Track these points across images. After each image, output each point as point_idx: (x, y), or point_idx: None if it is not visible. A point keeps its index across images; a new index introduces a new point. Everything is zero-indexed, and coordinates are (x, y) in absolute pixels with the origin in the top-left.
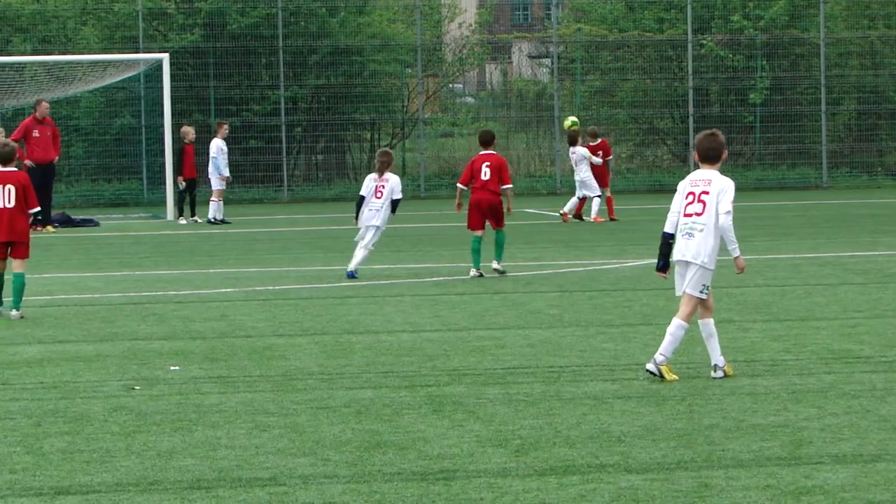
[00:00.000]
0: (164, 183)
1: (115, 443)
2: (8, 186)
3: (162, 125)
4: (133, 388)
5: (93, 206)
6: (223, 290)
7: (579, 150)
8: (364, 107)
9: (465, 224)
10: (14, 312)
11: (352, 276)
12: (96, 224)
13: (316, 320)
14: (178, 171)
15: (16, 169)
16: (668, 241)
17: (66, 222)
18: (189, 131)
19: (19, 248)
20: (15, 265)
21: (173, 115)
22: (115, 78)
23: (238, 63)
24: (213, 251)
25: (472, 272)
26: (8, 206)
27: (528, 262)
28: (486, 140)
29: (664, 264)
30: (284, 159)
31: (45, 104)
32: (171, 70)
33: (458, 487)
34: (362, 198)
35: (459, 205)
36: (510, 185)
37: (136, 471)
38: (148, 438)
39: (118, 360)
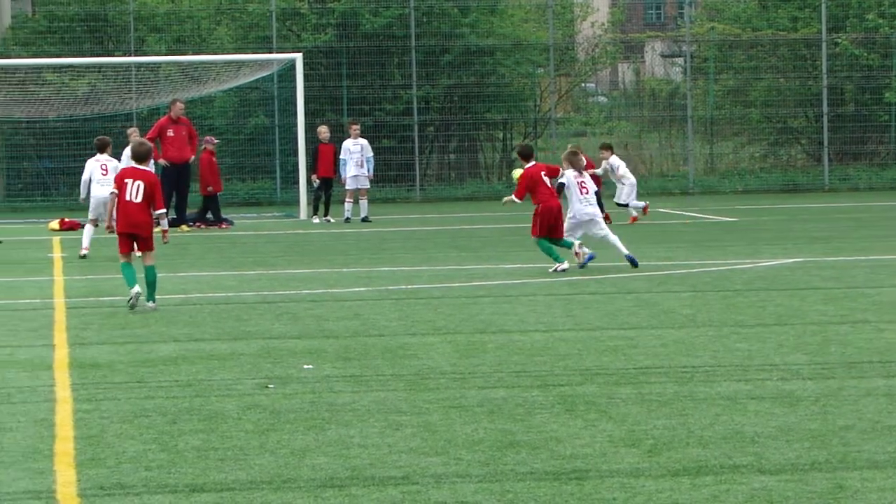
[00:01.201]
0: (298, 182)
1: (248, 441)
2: (138, 182)
3: (295, 125)
4: (267, 387)
5: (227, 206)
6: (356, 288)
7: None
8: (496, 106)
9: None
10: (150, 304)
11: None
12: (230, 223)
13: (448, 319)
14: (312, 170)
15: (149, 169)
16: None
17: (202, 222)
18: (323, 130)
19: (145, 241)
20: (145, 259)
21: (306, 114)
22: (248, 78)
23: (371, 63)
24: (347, 250)
25: (561, 266)
26: (135, 200)
27: (661, 261)
28: (528, 153)
29: None
30: (417, 159)
31: (179, 104)
32: (304, 70)
33: (590, 487)
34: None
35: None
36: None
37: (269, 469)
38: (281, 437)
39: (252, 358)
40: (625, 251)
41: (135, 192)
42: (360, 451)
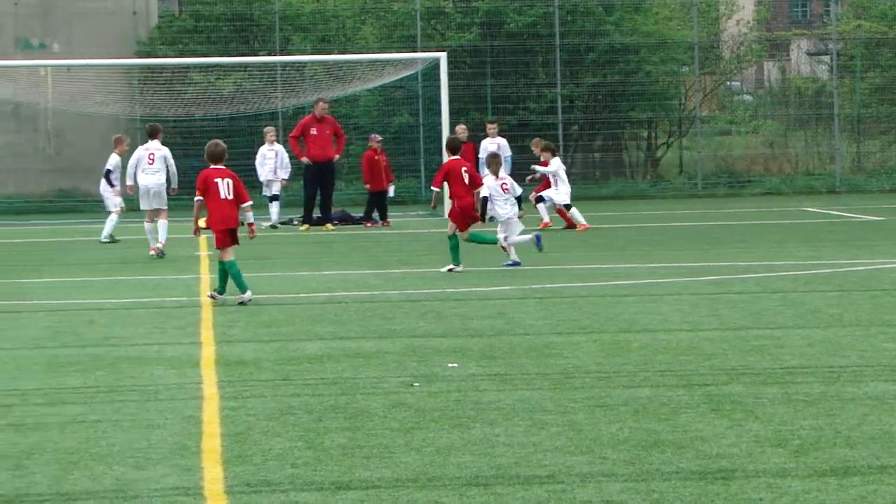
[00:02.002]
0: None
1: (394, 439)
2: (227, 180)
3: (439, 123)
4: (412, 385)
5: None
6: (501, 287)
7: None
8: (640, 105)
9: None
10: (220, 296)
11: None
12: (375, 221)
13: (593, 318)
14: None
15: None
16: None
17: (346, 220)
18: (461, 129)
19: (235, 236)
20: (224, 255)
21: (450, 113)
22: (393, 77)
23: (515, 62)
24: (492, 249)
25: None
26: (229, 197)
27: (807, 260)
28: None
29: None
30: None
31: (322, 103)
32: (448, 69)
33: (736, 487)
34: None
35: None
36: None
37: (415, 467)
38: (427, 435)
39: (397, 356)
40: (513, 257)
41: (226, 189)
42: (505, 449)
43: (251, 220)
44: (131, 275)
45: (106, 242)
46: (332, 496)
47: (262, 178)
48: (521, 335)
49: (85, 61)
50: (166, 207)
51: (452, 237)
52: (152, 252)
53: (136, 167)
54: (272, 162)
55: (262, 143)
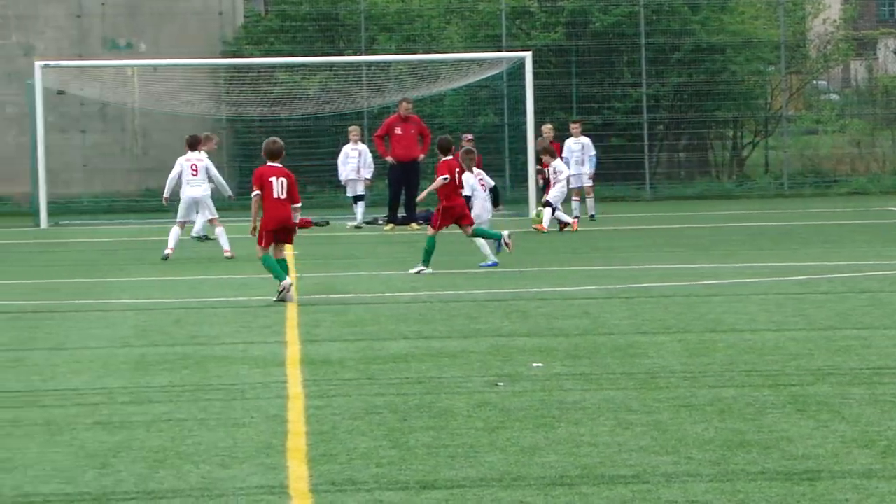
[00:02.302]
0: (527, 181)
1: (478, 438)
2: (281, 179)
3: (524, 123)
4: (497, 385)
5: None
6: (585, 287)
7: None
8: (726, 104)
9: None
10: (282, 286)
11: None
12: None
13: (678, 318)
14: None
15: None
16: None
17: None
18: (547, 129)
19: (290, 235)
20: (279, 252)
21: (535, 113)
22: (478, 76)
23: (600, 61)
24: (577, 248)
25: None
26: (282, 196)
27: (895, 260)
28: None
29: None
30: (646, 157)
31: (405, 103)
32: (533, 68)
33: (822, 488)
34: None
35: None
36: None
37: (499, 466)
38: (511, 434)
39: (482, 356)
40: (491, 258)
41: (280, 188)
42: (590, 449)
43: (296, 220)
44: (217, 274)
45: (198, 239)
46: (417, 495)
47: (342, 177)
48: (606, 335)
49: (171, 61)
50: (217, 215)
51: (431, 238)
52: (168, 252)
53: (178, 178)
54: (355, 161)
55: (347, 142)
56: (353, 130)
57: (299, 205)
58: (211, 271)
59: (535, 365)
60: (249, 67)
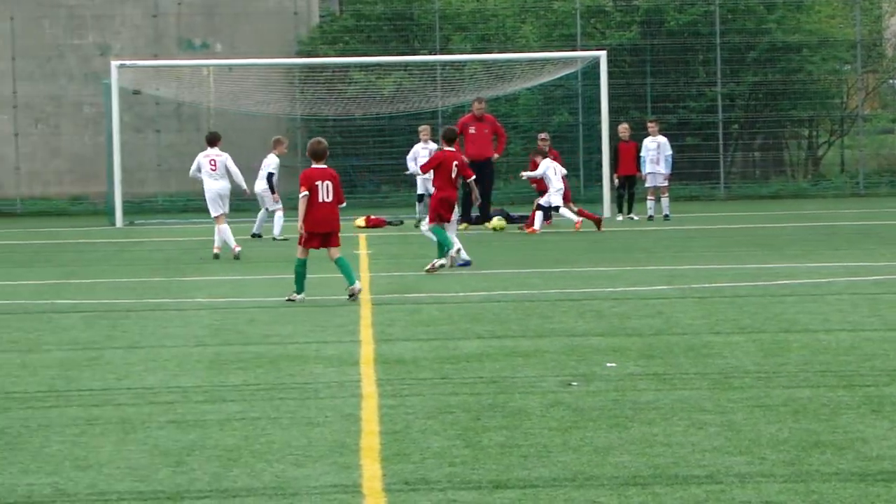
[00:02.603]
0: (601, 180)
1: (552, 438)
2: (327, 182)
3: (599, 122)
4: (570, 384)
5: (531, 203)
6: (659, 287)
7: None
8: (802, 103)
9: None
10: (356, 286)
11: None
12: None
13: (753, 318)
14: (613, 168)
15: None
16: None
17: (505, 219)
18: (623, 128)
19: (335, 237)
20: (333, 252)
21: (610, 112)
22: (553, 75)
23: (675, 60)
24: (651, 248)
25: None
26: (327, 199)
27: None
28: (451, 137)
29: None
30: (721, 156)
31: (476, 103)
32: (608, 67)
33: None
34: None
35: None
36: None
37: (572, 466)
38: (584, 434)
39: (555, 355)
40: (464, 256)
41: (325, 191)
42: (663, 449)
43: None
44: (291, 273)
45: (280, 240)
46: (490, 495)
47: (410, 170)
48: (680, 335)
49: (247, 61)
50: (227, 212)
51: (439, 230)
52: (236, 249)
53: (198, 172)
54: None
55: (418, 142)
56: (424, 129)
57: (344, 204)
58: (286, 270)
59: (608, 365)
60: (324, 67)
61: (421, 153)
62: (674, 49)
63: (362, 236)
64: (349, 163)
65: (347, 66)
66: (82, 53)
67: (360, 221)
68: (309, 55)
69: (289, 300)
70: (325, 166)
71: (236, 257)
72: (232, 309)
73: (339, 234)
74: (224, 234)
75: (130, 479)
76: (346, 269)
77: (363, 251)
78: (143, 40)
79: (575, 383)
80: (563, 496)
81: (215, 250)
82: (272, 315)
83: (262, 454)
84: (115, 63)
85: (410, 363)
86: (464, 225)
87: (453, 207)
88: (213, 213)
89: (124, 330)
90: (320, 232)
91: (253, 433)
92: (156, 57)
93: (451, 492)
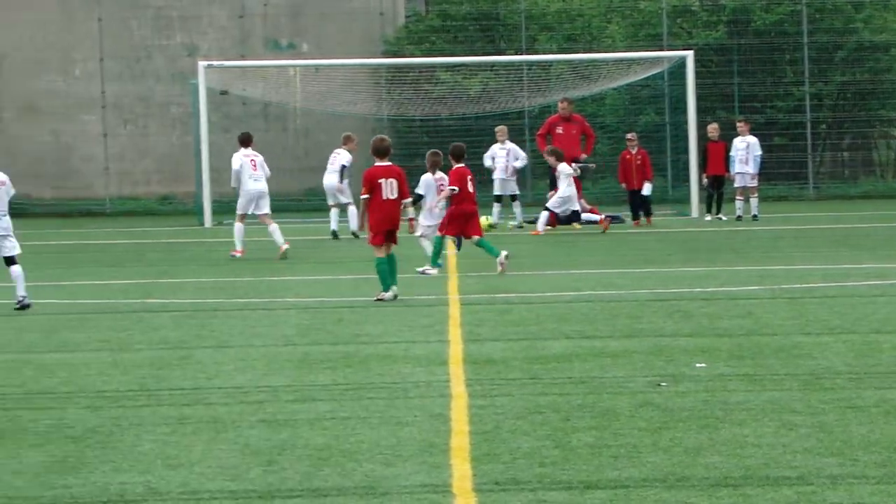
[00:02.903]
0: (689, 180)
1: (641, 438)
2: (391, 180)
3: (686, 122)
4: (659, 385)
5: (619, 203)
6: (749, 287)
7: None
8: (891, 103)
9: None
10: (388, 294)
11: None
12: (622, 221)
13: (843, 318)
14: (702, 168)
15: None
16: None
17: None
18: (712, 128)
19: (394, 235)
20: (384, 250)
21: (697, 112)
22: (639, 75)
23: (762, 60)
24: (740, 248)
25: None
26: (391, 197)
27: None
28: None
29: None
30: (809, 156)
31: (561, 103)
32: (695, 67)
33: None
34: (420, 196)
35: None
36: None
37: (662, 467)
38: (674, 435)
39: (644, 356)
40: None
41: (389, 189)
42: (754, 450)
43: (411, 216)
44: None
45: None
46: (581, 495)
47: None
48: (770, 335)
49: (333, 61)
50: (269, 211)
51: (439, 238)
52: (237, 254)
53: (241, 173)
54: (503, 160)
55: (495, 142)
56: (501, 130)
57: (408, 200)
58: (373, 270)
59: (697, 365)
60: (410, 67)
61: (498, 154)
62: (761, 48)
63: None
64: None
65: (434, 66)
66: (170, 54)
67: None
68: (395, 55)
69: (378, 300)
70: (389, 164)
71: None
72: (321, 308)
73: (397, 234)
74: (275, 233)
75: (222, 478)
76: (392, 269)
77: (451, 251)
78: (230, 41)
79: (664, 384)
80: (654, 497)
81: (284, 247)
82: (361, 315)
83: (352, 453)
84: (202, 63)
85: (499, 363)
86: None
87: (471, 219)
88: (241, 210)
89: (213, 329)
90: (384, 229)
91: (343, 433)
92: (242, 57)
93: (542, 492)
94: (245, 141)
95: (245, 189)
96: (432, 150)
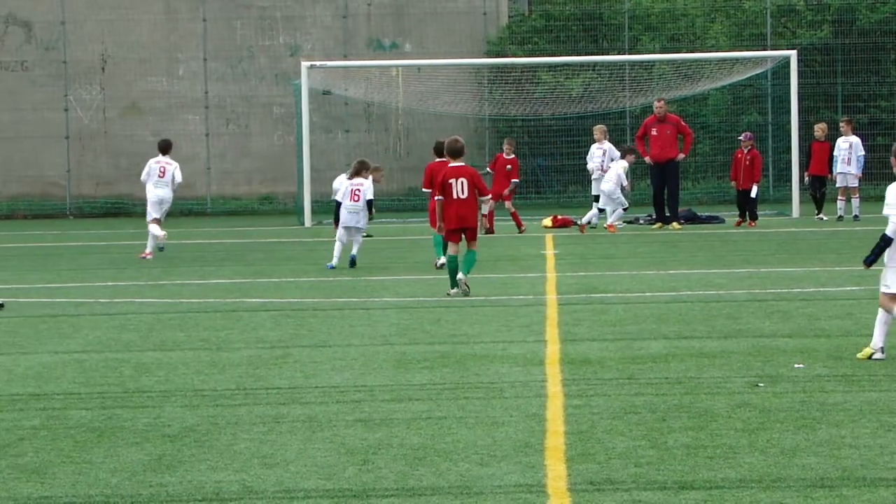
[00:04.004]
0: (791, 180)
1: (738, 439)
2: (461, 179)
3: (789, 122)
4: (757, 385)
5: (719, 203)
6: (848, 287)
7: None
8: None
9: None
10: (461, 277)
11: (332, 267)
12: (721, 221)
13: None
14: (805, 167)
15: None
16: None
17: (692, 219)
18: (820, 128)
19: (472, 232)
20: (470, 245)
21: (800, 111)
22: (742, 75)
23: (866, 59)
24: (839, 248)
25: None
26: (462, 196)
27: None
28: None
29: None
30: None
31: (658, 103)
32: (798, 67)
33: None
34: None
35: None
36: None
37: (759, 467)
38: (771, 436)
39: (742, 356)
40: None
41: (460, 188)
42: (851, 451)
43: (485, 212)
44: (478, 273)
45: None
46: (676, 496)
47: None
48: (869, 336)
49: (436, 61)
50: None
51: (438, 235)
52: (147, 255)
53: (148, 179)
54: (599, 160)
55: (594, 142)
56: (598, 129)
57: (487, 197)
58: (473, 270)
59: (796, 366)
60: (513, 67)
61: (595, 153)
62: (865, 47)
63: (549, 236)
64: (538, 163)
65: (535, 67)
66: (273, 54)
67: (547, 221)
68: (497, 55)
69: (448, 295)
70: (461, 164)
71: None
72: (418, 308)
73: (477, 230)
74: (152, 233)
75: (317, 477)
76: (468, 261)
77: (550, 251)
78: (333, 41)
79: (762, 384)
80: (749, 497)
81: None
82: (458, 314)
83: (448, 453)
84: (305, 64)
85: (596, 363)
86: (657, 225)
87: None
88: (153, 215)
89: (311, 329)
90: (455, 228)
91: (438, 432)
92: (345, 57)
93: (637, 492)
94: (164, 149)
95: (149, 194)
96: (359, 160)
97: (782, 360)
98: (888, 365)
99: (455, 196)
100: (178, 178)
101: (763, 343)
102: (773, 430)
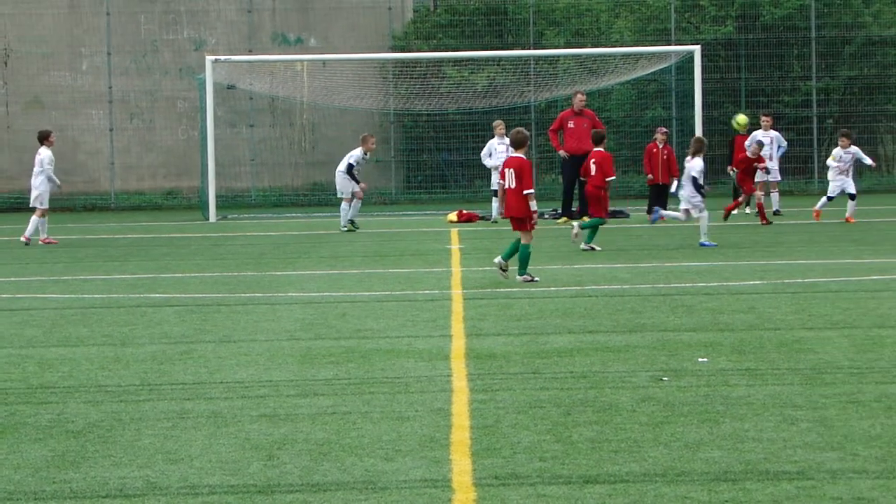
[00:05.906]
0: None
1: (642, 433)
2: (510, 170)
3: (692, 117)
4: (661, 380)
5: (622, 198)
6: (751, 282)
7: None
8: None
9: None
10: (519, 278)
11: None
12: (626, 216)
13: (846, 314)
14: (729, 161)
15: (522, 155)
16: None
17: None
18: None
19: (520, 223)
20: (523, 238)
21: (704, 106)
22: (646, 70)
23: (769, 55)
24: (740, 243)
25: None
26: (511, 186)
27: None
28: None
29: None
30: (815, 151)
31: (578, 96)
32: (702, 62)
33: None
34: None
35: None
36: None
37: (663, 461)
38: (675, 429)
39: (646, 350)
40: None
41: (510, 178)
42: (754, 444)
43: (533, 209)
44: (383, 268)
45: (344, 230)
46: (580, 490)
47: (490, 166)
48: (772, 330)
49: (341, 56)
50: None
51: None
52: (24, 239)
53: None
54: (503, 155)
55: (492, 137)
56: (499, 125)
57: (530, 191)
58: (378, 265)
59: (700, 360)
60: (418, 62)
61: (498, 148)
62: (768, 43)
63: (454, 231)
64: (442, 158)
65: (440, 62)
66: (177, 48)
67: (453, 216)
68: (403, 50)
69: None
70: (519, 155)
71: (27, 244)
72: (323, 303)
73: (526, 222)
74: (34, 224)
75: (222, 473)
76: (522, 258)
77: (455, 245)
78: (238, 35)
79: (666, 378)
80: (654, 491)
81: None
82: (363, 310)
83: (353, 448)
84: (209, 58)
85: (501, 358)
86: (562, 219)
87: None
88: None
89: (216, 324)
90: (507, 216)
91: (344, 427)
92: (250, 52)
93: (541, 486)
94: (40, 139)
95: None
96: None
97: (686, 354)
98: (791, 359)
99: (506, 185)
100: (38, 165)
101: (667, 337)
102: (677, 423)
